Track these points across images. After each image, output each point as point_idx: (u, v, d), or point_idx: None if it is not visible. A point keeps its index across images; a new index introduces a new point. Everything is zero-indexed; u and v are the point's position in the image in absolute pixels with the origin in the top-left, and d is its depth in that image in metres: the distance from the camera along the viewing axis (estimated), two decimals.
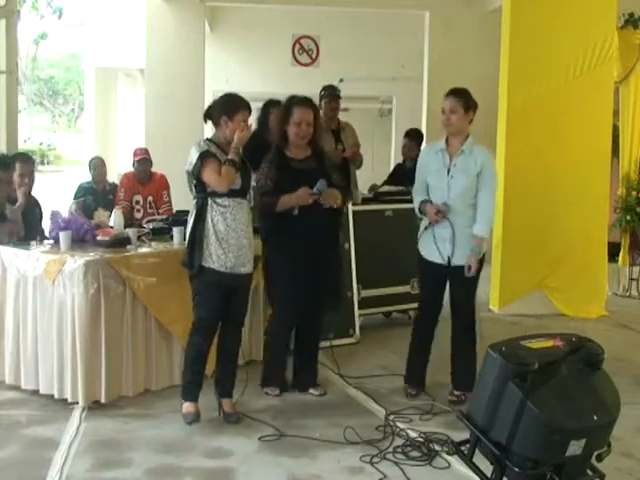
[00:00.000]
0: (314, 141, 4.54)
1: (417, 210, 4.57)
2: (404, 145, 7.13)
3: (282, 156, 4.45)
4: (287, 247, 4.41)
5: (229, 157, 4.00)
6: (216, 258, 4.04)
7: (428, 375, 4.76)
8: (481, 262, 4.51)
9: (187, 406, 4.16)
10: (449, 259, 4.46)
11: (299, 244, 4.38)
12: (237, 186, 4.07)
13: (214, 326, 4.18)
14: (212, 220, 4.04)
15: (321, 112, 6.56)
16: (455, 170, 4.44)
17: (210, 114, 4.19)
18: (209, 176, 3.99)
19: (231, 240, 4.06)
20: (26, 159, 5.56)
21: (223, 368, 4.28)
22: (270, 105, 5.73)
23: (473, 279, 4.54)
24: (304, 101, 4.44)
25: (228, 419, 4.21)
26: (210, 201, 4.05)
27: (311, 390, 4.66)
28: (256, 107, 5.89)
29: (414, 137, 7.07)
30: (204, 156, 4.01)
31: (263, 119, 5.72)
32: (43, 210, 5.58)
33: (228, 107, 4.12)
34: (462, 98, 4.50)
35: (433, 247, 4.47)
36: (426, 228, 4.51)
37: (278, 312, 4.59)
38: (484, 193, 4.46)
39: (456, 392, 4.58)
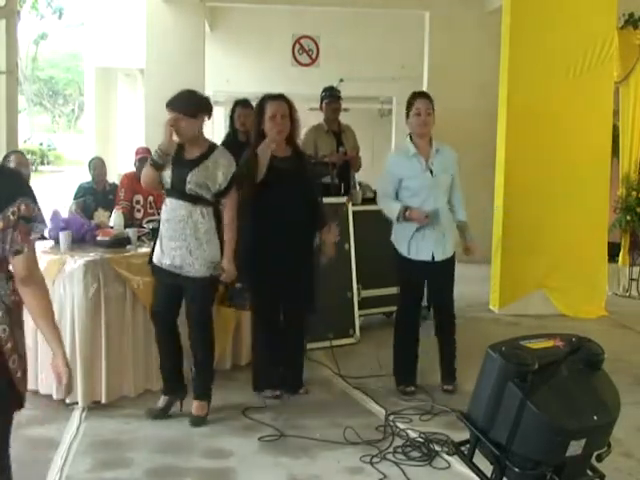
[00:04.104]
0: (293, 140, 4.49)
1: (395, 217, 4.54)
2: None
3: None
4: (266, 246, 4.36)
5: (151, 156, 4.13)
6: (155, 253, 4.17)
7: (425, 376, 4.81)
8: (453, 259, 4.70)
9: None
10: (433, 255, 4.56)
11: (278, 243, 4.34)
12: (167, 185, 4.10)
13: (163, 319, 4.20)
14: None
15: (322, 114, 6.63)
16: (436, 170, 4.57)
17: None
18: None
19: (164, 239, 4.11)
20: (20, 153, 5.86)
21: (193, 368, 4.27)
22: (236, 104, 5.82)
23: (452, 273, 4.72)
24: (276, 96, 4.42)
25: (191, 421, 4.15)
26: None
27: (300, 391, 4.66)
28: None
29: None
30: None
31: (230, 119, 5.86)
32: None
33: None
34: (431, 100, 4.62)
35: (422, 246, 4.54)
36: (418, 230, 4.53)
37: (258, 311, 4.51)
38: (457, 187, 4.71)
39: (448, 384, 4.73)
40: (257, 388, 4.59)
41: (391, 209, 4.58)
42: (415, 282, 4.68)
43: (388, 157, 4.90)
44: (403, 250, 4.61)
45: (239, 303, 4.62)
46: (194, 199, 4.04)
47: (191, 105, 4.10)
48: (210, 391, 4.25)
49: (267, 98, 4.41)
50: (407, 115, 4.63)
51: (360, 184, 6.65)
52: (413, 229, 4.54)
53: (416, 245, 4.56)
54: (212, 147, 4.16)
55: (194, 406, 4.20)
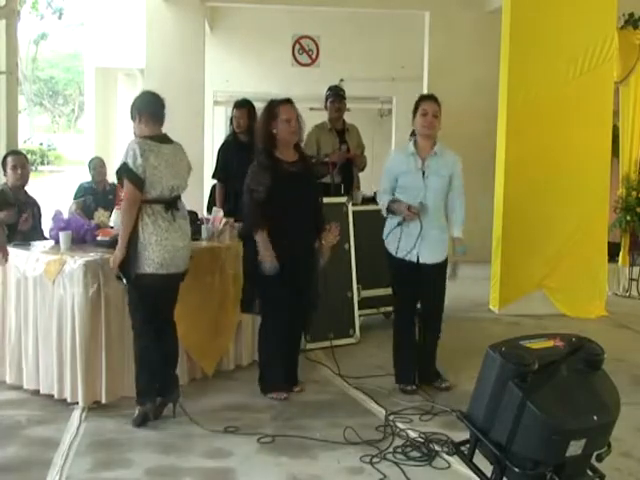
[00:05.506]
0: (298, 144, 4.56)
1: (384, 210, 4.63)
2: None
3: (273, 158, 4.43)
4: (277, 248, 4.37)
5: None
6: None
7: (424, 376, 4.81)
8: (444, 264, 4.67)
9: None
10: (418, 257, 4.55)
11: (288, 245, 4.36)
12: None
13: None
14: None
15: (324, 114, 6.64)
16: (429, 171, 4.58)
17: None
18: None
19: None
20: (17, 152, 5.74)
21: None
22: (234, 106, 5.96)
23: (442, 279, 4.68)
24: (288, 100, 4.48)
25: None
26: None
27: (294, 389, 4.65)
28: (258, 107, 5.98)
29: None
30: None
31: (230, 120, 6.02)
32: (42, 210, 5.59)
33: None
34: (439, 104, 4.63)
35: (401, 244, 4.55)
36: (399, 224, 4.56)
37: (271, 313, 4.50)
38: (457, 195, 4.67)
39: (445, 380, 4.78)
40: (265, 390, 4.57)
41: (382, 203, 4.65)
42: (404, 281, 4.65)
43: (389, 155, 4.92)
44: (390, 247, 4.63)
45: (252, 310, 4.63)
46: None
47: None
48: (139, 396, 4.15)
49: (278, 102, 4.45)
50: (414, 115, 4.67)
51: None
52: (395, 223, 4.57)
53: (401, 243, 4.55)
54: None
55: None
